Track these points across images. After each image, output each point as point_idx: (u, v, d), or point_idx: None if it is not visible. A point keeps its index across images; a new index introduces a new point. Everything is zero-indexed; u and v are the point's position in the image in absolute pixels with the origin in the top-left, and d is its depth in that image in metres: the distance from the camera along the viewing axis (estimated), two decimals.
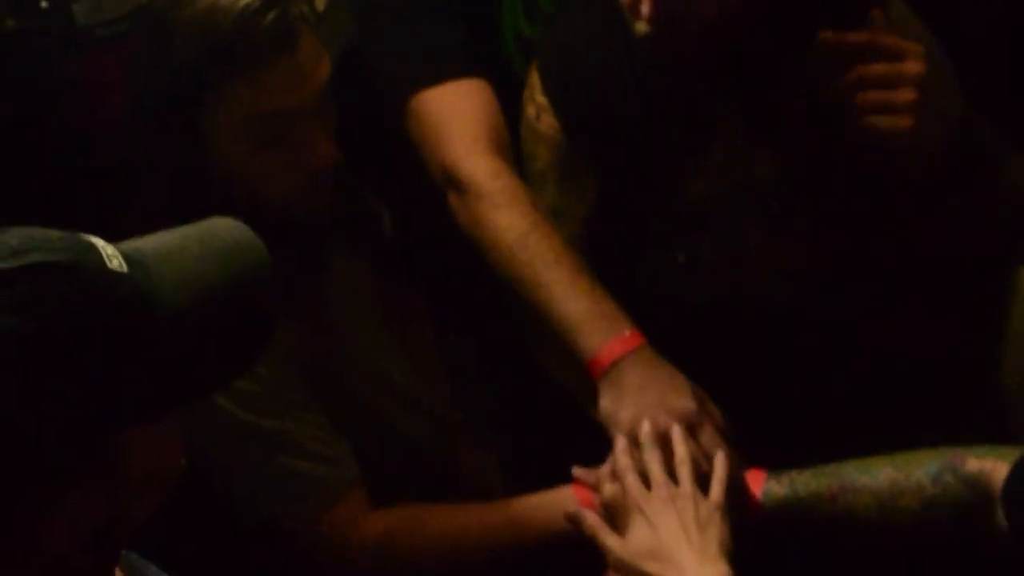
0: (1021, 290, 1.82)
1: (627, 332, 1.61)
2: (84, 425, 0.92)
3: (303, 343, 1.63)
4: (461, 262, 1.79)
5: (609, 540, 1.52)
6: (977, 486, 1.45)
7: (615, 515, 1.54)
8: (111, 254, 0.97)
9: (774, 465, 1.60)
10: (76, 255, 0.95)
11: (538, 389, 1.81)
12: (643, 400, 1.57)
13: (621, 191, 1.76)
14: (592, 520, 1.54)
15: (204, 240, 1.05)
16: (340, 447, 1.66)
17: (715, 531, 1.48)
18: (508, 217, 1.70)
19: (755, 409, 1.65)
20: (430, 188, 1.82)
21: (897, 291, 1.75)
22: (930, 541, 1.52)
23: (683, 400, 1.57)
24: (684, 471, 1.53)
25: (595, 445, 1.61)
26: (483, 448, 1.90)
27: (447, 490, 1.76)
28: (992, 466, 1.44)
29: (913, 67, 1.56)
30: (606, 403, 1.60)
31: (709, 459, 1.56)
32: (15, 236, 0.95)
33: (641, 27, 1.59)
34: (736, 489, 1.55)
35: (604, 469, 1.58)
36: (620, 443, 1.57)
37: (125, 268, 0.97)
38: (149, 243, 1.02)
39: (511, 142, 1.82)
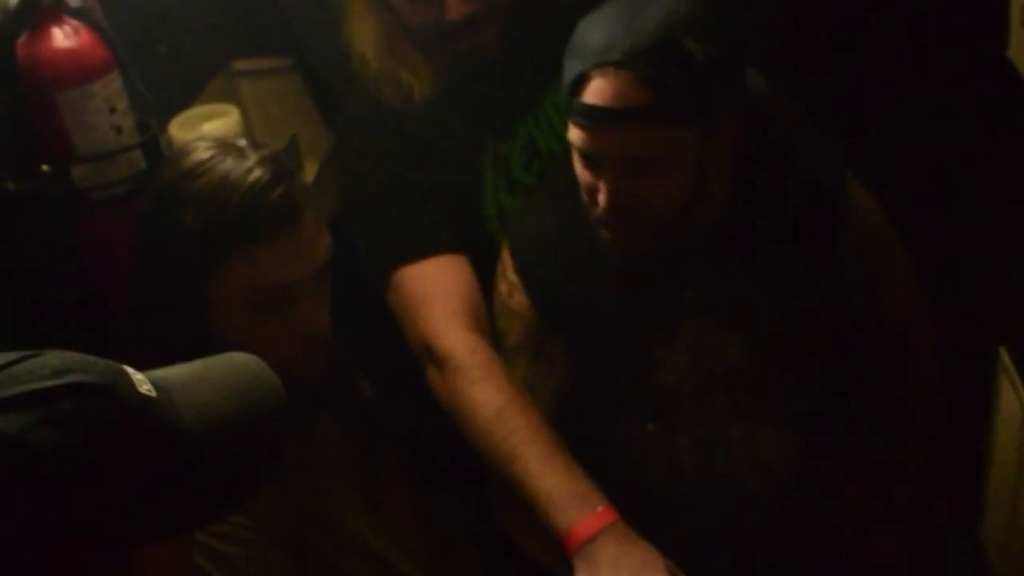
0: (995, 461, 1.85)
1: (600, 508, 1.62)
2: (110, 539, 0.95)
3: (285, 506, 1.63)
4: (437, 429, 1.81)
5: None
6: None
7: None
8: (140, 379, 1.01)
9: None
10: (111, 377, 0.99)
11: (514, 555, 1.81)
12: (619, 565, 1.57)
13: (592, 370, 1.80)
14: None
15: (222, 371, 1.09)
16: None
17: None
18: (485, 392, 1.74)
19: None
20: (409, 356, 1.85)
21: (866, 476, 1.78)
22: None
23: (657, 575, 1.57)
24: None
25: None
26: None
27: None
28: None
29: None
30: (583, 568, 1.59)
31: None
32: (56, 357, 0.98)
33: (598, 214, 1.66)
34: None
35: None
36: None
37: (153, 393, 1.01)
38: (171, 372, 1.06)
39: (489, 316, 1.85)
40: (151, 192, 1.63)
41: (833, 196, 1.73)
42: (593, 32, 1.59)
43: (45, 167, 1.73)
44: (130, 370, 1.02)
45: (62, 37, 1.71)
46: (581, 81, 1.59)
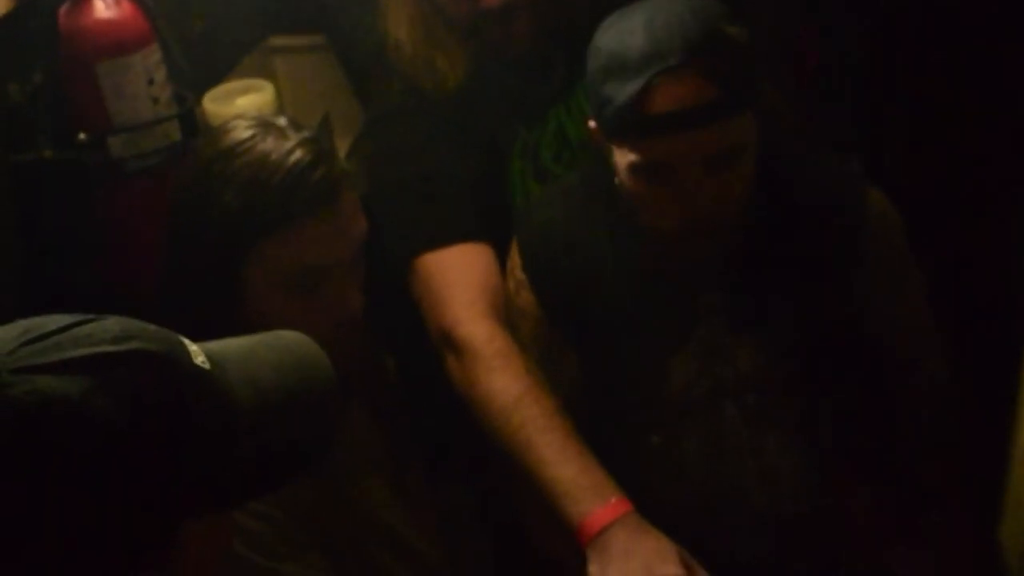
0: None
1: (614, 499, 1.62)
2: (158, 509, 0.94)
3: (310, 487, 1.61)
4: (459, 415, 1.81)
5: None
6: None
7: None
8: (195, 351, 1.01)
9: None
10: (170, 347, 0.99)
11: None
12: (629, 566, 1.57)
13: (600, 372, 1.80)
14: None
15: (274, 348, 1.09)
16: None
17: None
18: (502, 381, 1.73)
19: None
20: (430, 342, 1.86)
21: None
22: None
23: (669, 566, 1.56)
24: None
25: None
26: None
27: None
28: None
29: None
30: (593, 570, 1.60)
31: None
32: (117, 323, 0.98)
33: (670, 227, 1.63)
34: None
35: None
36: None
37: (208, 365, 1.01)
38: (223, 346, 1.06)
39: None
40: (189, 170, 1.60)
41: (851, 200, 1.73)
42: (628, 43, 1.56)
43: (82, 136, 1.75)
44: (186, 341, 1.01)
45: (103, 8, 1.73)
46: (642, 94, 1.55)
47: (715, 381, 1.73)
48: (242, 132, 1.57)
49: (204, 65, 2.06)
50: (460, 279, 1.83)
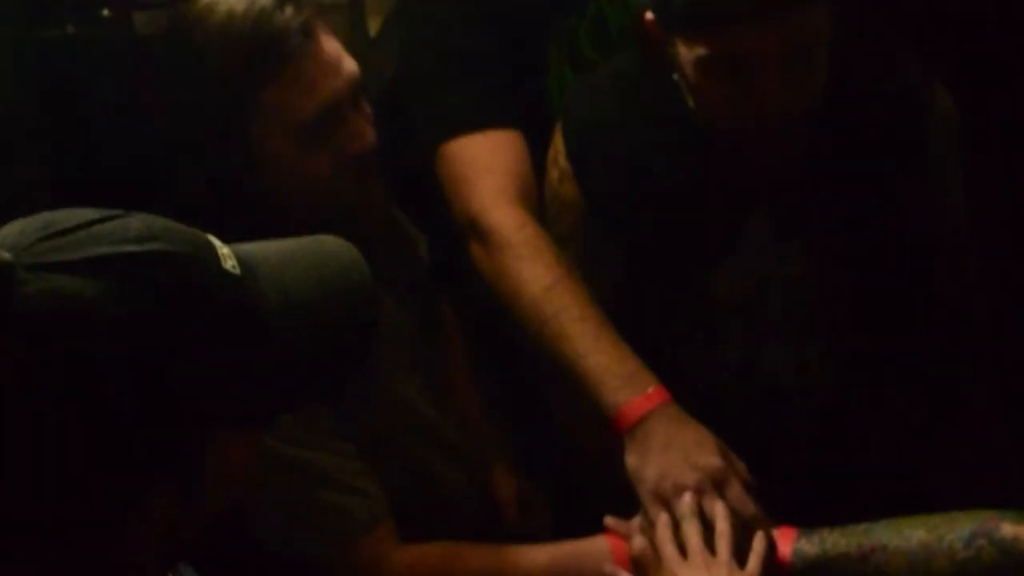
0: None
1: (651, 388, 1.61)
2: (183, 419, 0.91)
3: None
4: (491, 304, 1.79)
5: None
6: (1012, 552, 1.43)
7: (645, 571, 1.54)
8: (226, 254, 0.97)
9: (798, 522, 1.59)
10: (196, 250, 0.95)
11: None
12: (668, 458, 1.56)
13: (642, 269, 1.76)
14: None
15: (312, 254, 1.04)
16: (369, 480, 1.65)
17: None
18: (532, 269, 1.69)
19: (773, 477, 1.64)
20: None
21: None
22: None
23: (708, 457, 1.55)
24: (723, 544, 1.51)
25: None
26: (524, 491, 1.90)
27: (477, 529, 1.74)
28: None
29: None
30: (632, 460, 1.59)
31: (737, 517, 1.54)
32: (140, 221, 0.94)
33: (741, 127, 1.58)
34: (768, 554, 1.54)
35: (634, 523, 1.59)
36: (654, 510, 1.56)
37: (238, 270, 0.97)
38: (258, 249, 1.02)
39: (540, 194, 1.81)
40: (173, 44, 1.64)
41: (915, 109, 1.67)
42: None
43: (106, 12, 1.72)
44: (217, 243, 0.97)
45: None
46: None
47: (760, 282, 1.70)
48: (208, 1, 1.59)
49: None
50: (489, 165, 1.78)
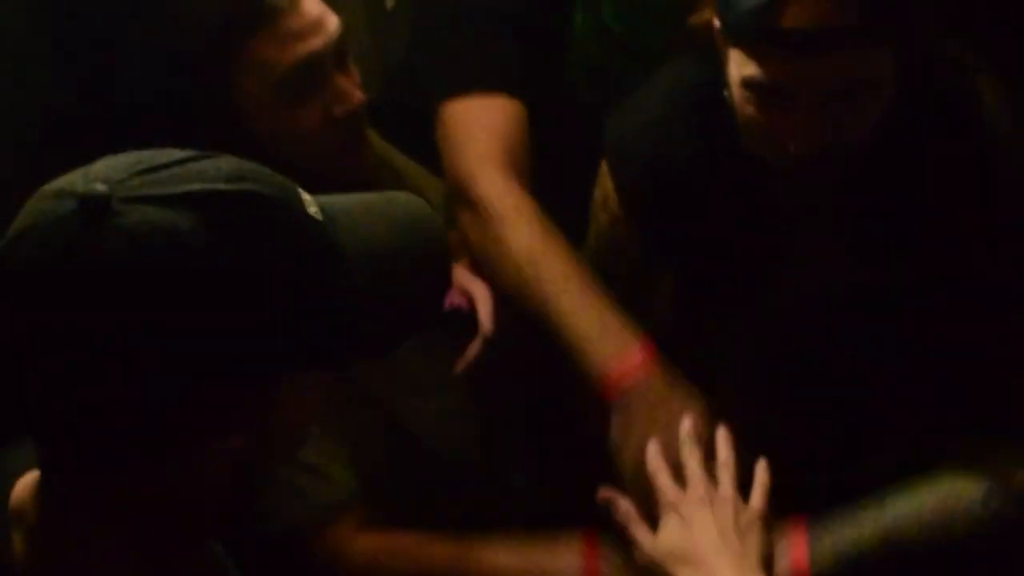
0: None
1: (636, 346, 1.58)
2: (263, 357, 0.94)
3: None
4: None
5: (640, 534, 1.45)
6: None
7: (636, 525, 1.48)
8: (308, 200, 1.01)
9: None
10: (283, 192, 0.99)
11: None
12: (652, 426, 1.53)
13: (691, 284, 1.74)
14: (626, 509, 1.49)
15: (387, 207, 1.08)
16: (340, 463, 1.65)
17: (755, 540, 1.40)
18: (517, 235, 1.67)
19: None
20: None
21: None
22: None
23: (695, 425, 1.52)
24: (726, 475, 1.46)
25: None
26: (513, 448, 1.87)
27: (464, 489, 1.74)
28: None
29: None
30: (616, 424, 1.56)
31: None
32: (229, 162, 0.97)
33: (781, 155, 1.52)
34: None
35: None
36: (652, 445, 1.51)
37: (320, 216, 1.00)
38: (335, 200, 1.05)
39: (531, 163, 1.78)
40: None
41: (989, 163, 1.61)
42: None
43: None
44: (301, 190, 1.01)
45: None
46: (777, 3, 1.41)
47: (809, 295, 1.66)
48: None
49: None
50: (480, 130, 1.75)
